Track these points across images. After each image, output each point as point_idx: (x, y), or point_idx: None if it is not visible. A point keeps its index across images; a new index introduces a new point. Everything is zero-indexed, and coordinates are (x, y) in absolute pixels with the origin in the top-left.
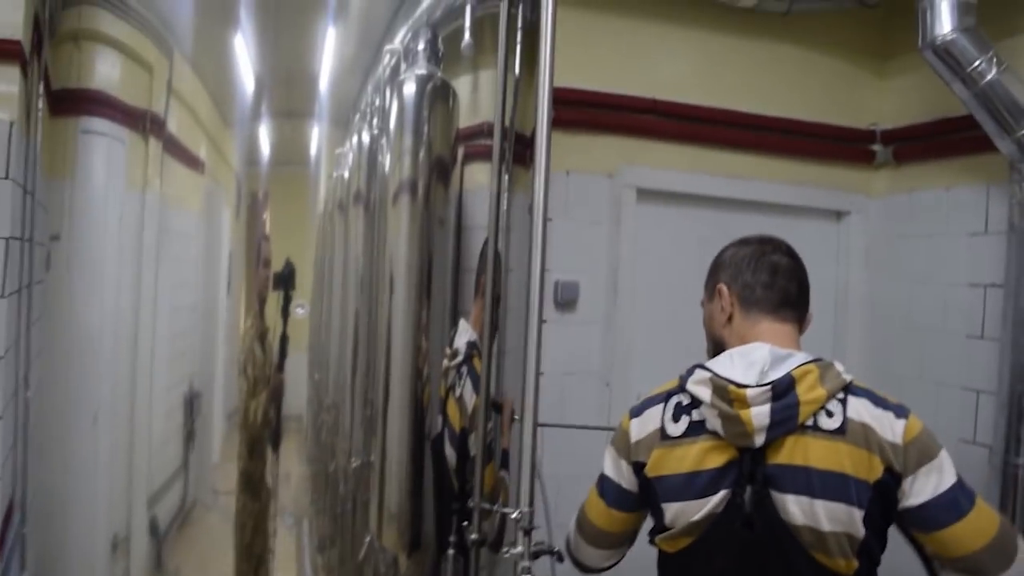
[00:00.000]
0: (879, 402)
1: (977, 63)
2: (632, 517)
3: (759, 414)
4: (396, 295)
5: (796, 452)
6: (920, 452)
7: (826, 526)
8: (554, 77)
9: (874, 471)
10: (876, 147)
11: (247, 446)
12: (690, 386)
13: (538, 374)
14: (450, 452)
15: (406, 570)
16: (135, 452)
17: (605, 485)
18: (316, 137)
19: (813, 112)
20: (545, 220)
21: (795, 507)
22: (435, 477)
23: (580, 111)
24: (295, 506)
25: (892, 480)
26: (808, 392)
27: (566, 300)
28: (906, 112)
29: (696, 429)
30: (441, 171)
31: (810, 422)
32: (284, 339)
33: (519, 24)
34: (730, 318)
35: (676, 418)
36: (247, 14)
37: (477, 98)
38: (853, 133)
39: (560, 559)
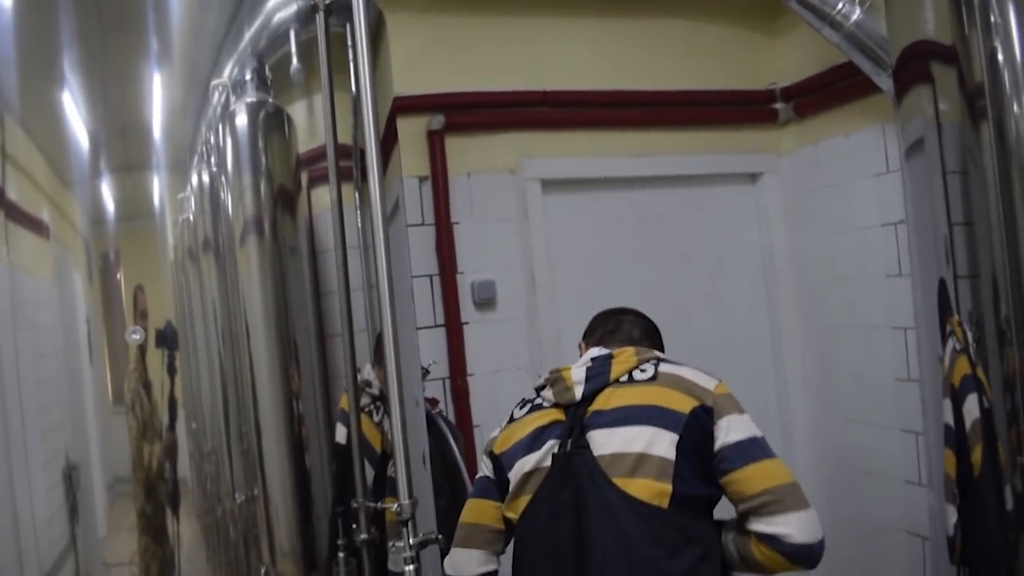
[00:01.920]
0: (695, 369)
1: (840, 5)
2: (493, 507)
3: (577, 371)
4: (255, 328)
5: (611, 399)
6: (731, 404)
7: (632, 448)
8: (391, 82)
9: (687, 404)
10: (778, 105)
11: (141, 513)
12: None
13: (399, 366)
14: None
15: None
16: (21, 534)
17: (474, 485)
18: (157, 187)
19: (711, 80)
20: (386, 226)
21: (604, 438)
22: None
23: (473, 113)
24: (190, 565)
25: (705, 415)
26: (622, 359)
27: (484, 299)
28: (801, 67)
29: (535, 408)
30: (285, 199)
31: (624, 378)
32: (172, 400)
33: (348, 37)
34: None
35: (522, 407)
36: (71, 70)
37: (315, 122)
38: (754, 95)
39: (442, 547)
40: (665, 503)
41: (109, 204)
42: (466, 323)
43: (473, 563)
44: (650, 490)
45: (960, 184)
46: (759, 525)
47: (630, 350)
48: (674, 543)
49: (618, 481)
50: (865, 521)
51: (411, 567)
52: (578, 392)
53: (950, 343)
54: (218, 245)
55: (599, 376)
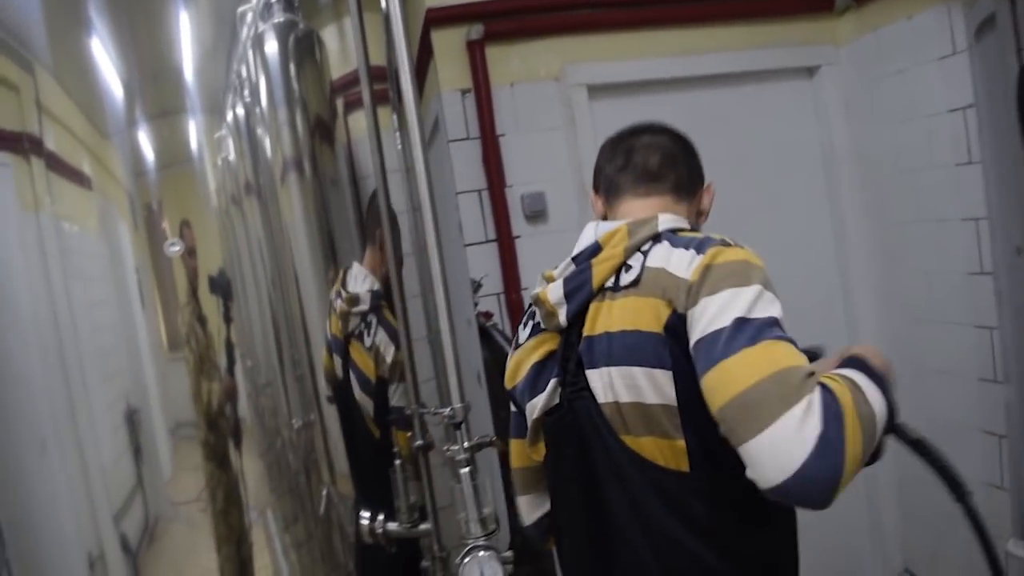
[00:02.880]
0: (687, 243)
1: None
2: (525, 444)
3: (554, 289)
4: (301, 263)
5: (600, 319)
6: (702, 286)
7: (628, 396)
8: None
9: (661, 319)
10: None
11: (205, 455)
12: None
13: (446, 285)
14: (363, 399)
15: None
16: (90, 475)
17: (513, 422)
18: (194, 131)
19: None
20: (425, 146)
21: (600, 381)
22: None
23: (513, 20)
24: (256, 500)
25: (679, 324)
26: (607, 253)
27: (534, 212)
28: None
29: (535, 330)
30: (323, 129)
31: (611, 283)
32: (230, 344)
33: None
34: (604, 218)
35: (525, 325)
36: (98, 15)
37: (346, 44)
38: None
39: (500, 449)
40: (684, 464)
41: (148, 153)
42: (517, 237)
43: (527, 509)
44: (663, 451)
45: None
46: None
47: (621, 232)
48: (704, 515)
49: (628, 440)
50: (938, 422)
51: (467, 470)
52: (563, 316)
53: None
54: (259, 184)
55: (580, 289)
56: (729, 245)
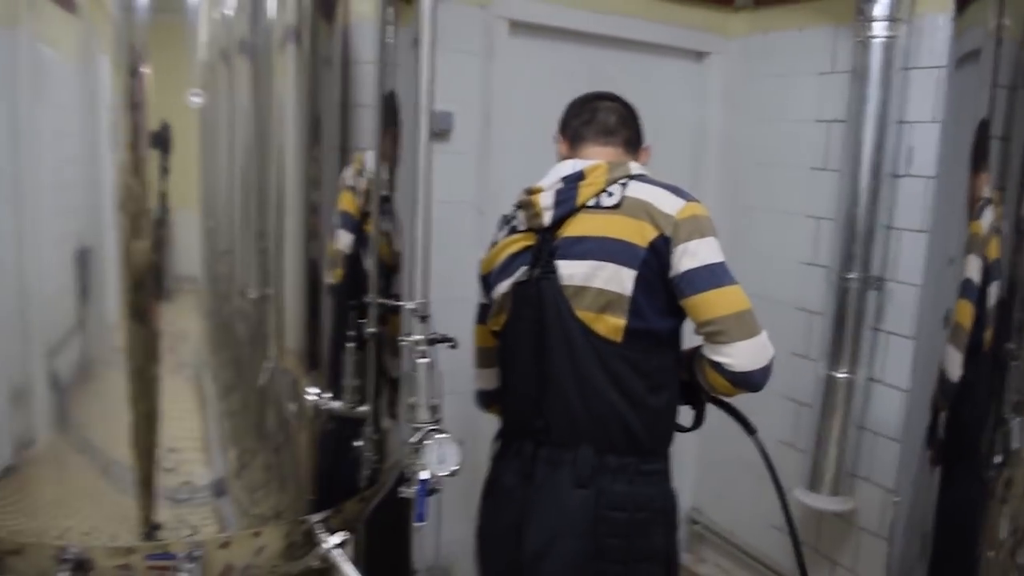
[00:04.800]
0: (666, 187)
1: None
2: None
3: (545, 196)
4: (286, 136)
5: (577, 227)
6: (692, 228)
7: (593, 283)
8: None
9: (647, 236)
10: None
11: (138, 306)
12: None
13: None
14: (346, 236)
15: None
16: (28, 305)
17: (478, 311)
18: None
19: None
20: (433, 48)
21: (568, 269)
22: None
23: None
24: (195, 360)
25: (664, 245)
26: (590, 180)
27: (440, 130)
28: None
29: (512, 231)
30: (325, 6)
31: (592, 203)
32: (161, 199)
33: None
34: (567, 159)
35: (500, 228)
36: None
37: None
38: None
39: (454, 346)
40: (619, 337)
41: None
42: None
43: (483, 380)
44: (607, 325)
45: (1007, 100)
46: (707, 351)
47: (602, 167)
48: (625, 375)
49: (580, 314)
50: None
51: (425, 360)
52: (547, 218)
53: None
54: (254, 46)
55: (567, 202)
56: (695, 198)
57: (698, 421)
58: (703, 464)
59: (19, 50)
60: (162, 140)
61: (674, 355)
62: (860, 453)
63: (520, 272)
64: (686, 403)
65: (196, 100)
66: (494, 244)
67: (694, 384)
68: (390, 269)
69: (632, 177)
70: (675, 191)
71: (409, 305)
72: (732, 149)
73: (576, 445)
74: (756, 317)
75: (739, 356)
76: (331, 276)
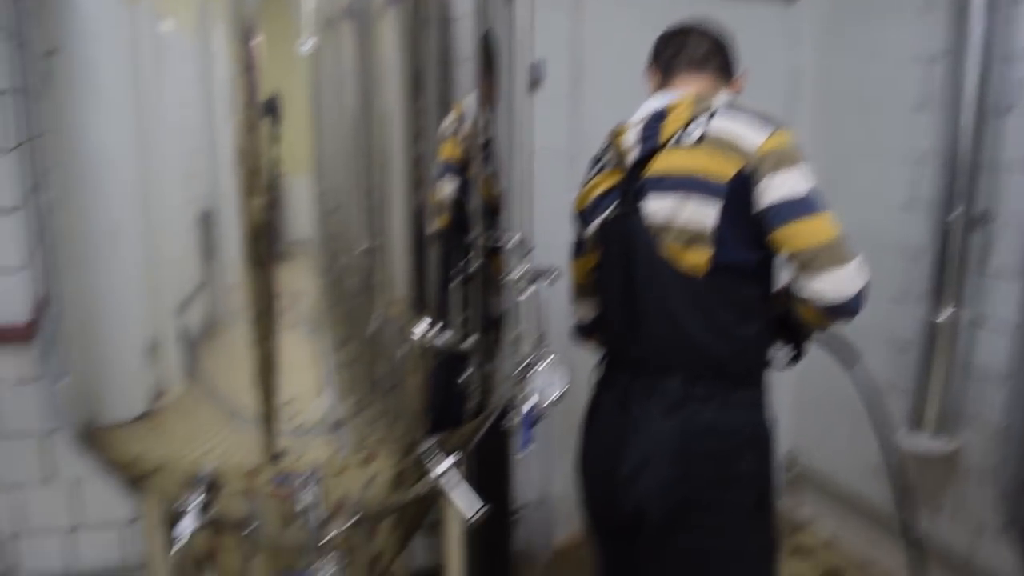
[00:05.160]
0: (751, 118)
1: None
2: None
3: (630, 136)
4: (389, 94)
5: (662, 164)
6: (776, 160)
7: (677, 219)
8: None
9: (728, 172)
10: None
11: (256, 266)
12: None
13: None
14: (449, 183)
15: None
16: (157, 267)
17: (573, 247)
18: None
19: None
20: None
21: (653, 206)
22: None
23: None
24: (311, 316)
25: (747, 179)
26: (673, 117)
27: (532, 79)
28: None
29: (602, 169)
30: None
31: (675, 140)
32: (273, 166)
33: None
34: (659, 90)
35: (592, 167)
36: None
37: None
38: None
39: (555, 280)
40: (704, 271)
41: None
42: None
43: (582, 310)
44: (692, 259)
45: None
46: (797, 284)
47: (685, 103)
48: (712, 307)
49: (665, 249)
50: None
51: (527, 293)
52: (632, 157)
53: None
54: (359, 11)
55: (650, 139)
56: (781, 126)
57: (795, 358)
58: (800, 406)
59: (140, 25)
60: (273, 107)
61: (764, 287)
62: (964, 394)
63: (610, 210)
64: (782, 340)
65: (306, 48)
66: (586, 183)
67: (790, 320)
68: (492, 211)
69: (715, 112)
70: (759, 122)
71: (511, 241)
72: (827, 93)
73: (666, 375)
74: (847, 243)
75: (830, 287)
76: (436, 221)
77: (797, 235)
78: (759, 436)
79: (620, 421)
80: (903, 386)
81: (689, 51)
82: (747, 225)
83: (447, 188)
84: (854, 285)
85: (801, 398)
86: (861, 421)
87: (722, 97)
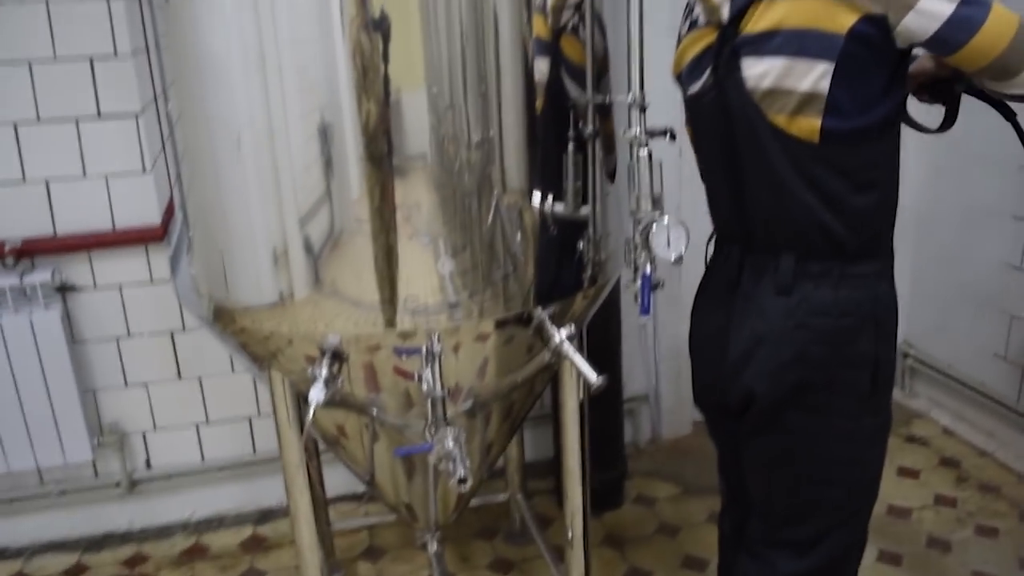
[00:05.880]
0: None
1: None
2: None
3: None
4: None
5: (761, 18)
6: None
7: (784, 83)
8: None
9: (845, 22)
10: None
11: (376, 178)
12: None
13: None
14: (575, 89)
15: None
16: (280, 175)
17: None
18: None
19: None
20: None
21: (755, 69)
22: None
23: None
24: (429, 227)
25: (874, 26)
26: None
27: None
28: None
29: (693, 25)
30: None
31: None
32: (387, 75)
33: None
34: None
35: (684, 20)
36: None
37: None
38: None
39: (673, 138)
40: (816, 138)
41: None
42: None
43: None
44: (802, 126)
45: None
46: (994, 88)
47: None
48: (824, 177)
49: (771, 118)
50: (975, 207)
51: (645, 150)
52: (725, 12)
53: None
54: None
55: None
56: None
57: (950, 120)
58: (915, 294)
59: None
60: (384, 17)
61: (887, 145)
62: None
63: (704, 77)
64: (935, 100)
65: None
66: (679, 42)
67: (946, 77)
68: (599, 73)
69: None
70: None
71: (627, 99)
72: None
73: (778, 252)
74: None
75: None
76: (542, 94)
77: (979, 53)
78: (877, 314)
79: (730, 300)
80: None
81: None
82: (870, 79)
83: (540, 68)
84: None
85: (917, 286)
86: (980, 308)
87: None
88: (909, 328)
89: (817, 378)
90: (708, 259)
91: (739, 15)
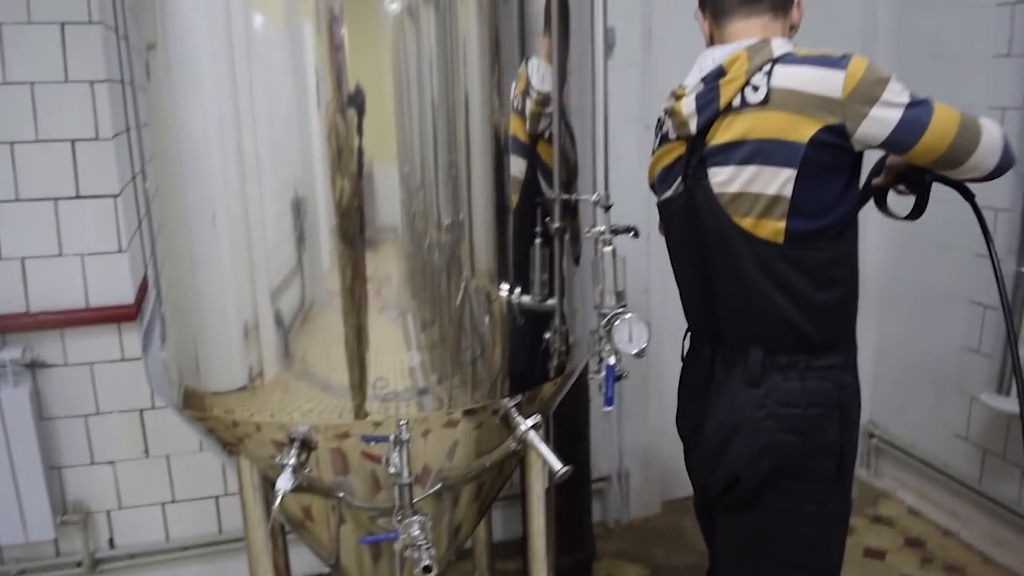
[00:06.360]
0: (815, 62)
1: None
2: None
3: (687, 103)
4: (470, 68)
5: (726, 130)
6: (864, 96)
7: (750, 188)
8: None
9: (805, 132)
10: None
11: (348, 253)
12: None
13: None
14: (544, 184)
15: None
16: (254, 251)
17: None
18: None
19: None
20: None
21: (721, 176)
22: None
23: None
24: (399, 303)
25: (837, 133)
26: (731, 76)
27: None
28: None
29: (664, 138)
30: None
31: (737, 102)
32: (362, 150)
33: None
34: (711, 37)
35: (656, 135)
36: None
37: None
38: None
39: (636, 236)
40: (780, 239)
41: None
42: None
43: None
44: (767, 229)
45: None
46: (950, 176)
47: (742, 57)
48: (789, 276)
49: (737, 221)
50: (933, 291)
51: (609, 248)
52: (693, 126)
53: None
54: None
55: (710, 105)
56: (850, 56)
57: (921, 206)
58: (879, 375)
59: (233, 18)
60: (359, 96)
61: (846, 245)
62: None
63: (675, 185)
64: (911, 190)
65: (394, 7)
66: (653, 151)
67: (917, 168)
68: (568, 178)
69: (776, 61)
70: (826, 64)
71: (592, 197)
72: (905, 42)
73: (747, 346)
74: (968, 117)
75: (983, 161)
76: (516, 190)
77: (928, 149)
78: (843, 403)
79: (706, 393)
80: (986, 349)
81: None
82: (830, 183)
83: (519, 167)
84: (997, 148)
85: (880, 367)
86: (941, 389)
87: (778, 43)
88: (874, 408)
89: (790, 465)
90: (684, 354)
91: (705, 128)
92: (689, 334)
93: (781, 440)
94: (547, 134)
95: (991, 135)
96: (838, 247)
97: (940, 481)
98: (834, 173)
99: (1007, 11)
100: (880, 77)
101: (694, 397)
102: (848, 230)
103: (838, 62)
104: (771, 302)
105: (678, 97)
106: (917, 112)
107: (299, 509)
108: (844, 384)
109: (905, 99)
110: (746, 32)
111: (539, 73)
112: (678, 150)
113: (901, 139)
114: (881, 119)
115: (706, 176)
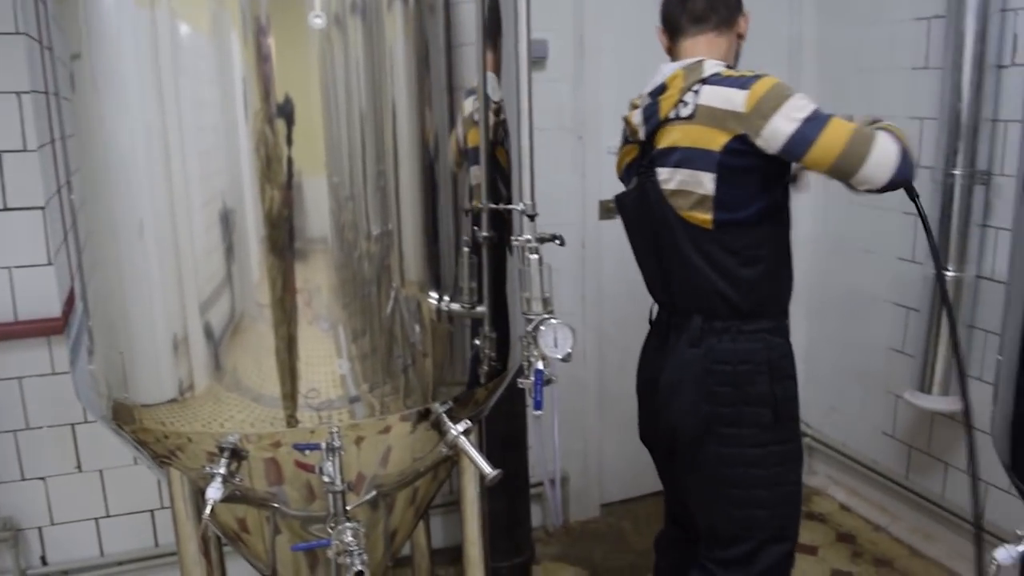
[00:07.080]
0: (732, 83)
1: None
2: None
3: (636, 114)
4: (397, 81)
5: (666, 138)
6: (764, 109)
7: (684, 187)
8: None
9: (719, 141)
10: None
11: (278, 264)
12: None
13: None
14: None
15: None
16: (182, 263)
17: None
18: None
19: None
20: None
21: (664, 175)
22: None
23: None
24: (329, 312)
25: (742, 142)
26: (669, 93)
27: (535, 58)
28: None
29: (626, 141)
30: None
31: (673, 114)
32: (291, 161)
33: None
34: (669, 51)
35: (622, 136)
36: None
37: None
38: None
39: (562, 244)
40: (710, 226)
41: None
42: None
43: None
44: (699, 218)
45: None
46: (848, 186)
47: (679, 76)
48: (717, 255)
49: (677, 210)
50: (859, 293)
51: (535, 256)
52: (642, 133)
53: None
54: (365, 7)
55: (653, 117)
56: (760, 77)
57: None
58: (809, 376)
59: (158, 28)
60: (288, 106)
61: (767, 230)
62: (970, 352)
63: (634, 181)
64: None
65: (318, 22)
66: (620, 148)
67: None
68: (503, 183)
69: (705, 80)
70: (739, 84)
71: (519, 207)
72: (829, 57)
73: (691, 314)
74: (862, 132)
75: (873, 175)
76: (444, 198)
77: (819, 157)
78: (773, 359)
79: (660, 354)
80: (910, 349)
81: (688, 7)
82: (746, 183)
83: (475, 175)
84: (891, 159)
85: (810, 368)
86: (868, 389)
87: (710, 65)
88: (805, 409)
89: (725, 412)
90: (651, 319)
91: (651, 135)
92: (653, 306)
93: (717, 392)
94: (477, 144)
95: (884, 152)
96: (759, 231)
97: (869, 478)
98: (747, 174)
99: (924, 25)
100: (782, 94)
101: (652, 355)
102: (769, 219)
103: (747, 82)
104: (705, 277)
105: (633, 107)
106: (809, 127)
107: (234, 520)
108: (773, 344)
109: (804, 114)
110: (695, 48)
111: (468, 84)
112: (635, 152)
113: (792, 149)
114: (775, 131)
115: (654, 174)
